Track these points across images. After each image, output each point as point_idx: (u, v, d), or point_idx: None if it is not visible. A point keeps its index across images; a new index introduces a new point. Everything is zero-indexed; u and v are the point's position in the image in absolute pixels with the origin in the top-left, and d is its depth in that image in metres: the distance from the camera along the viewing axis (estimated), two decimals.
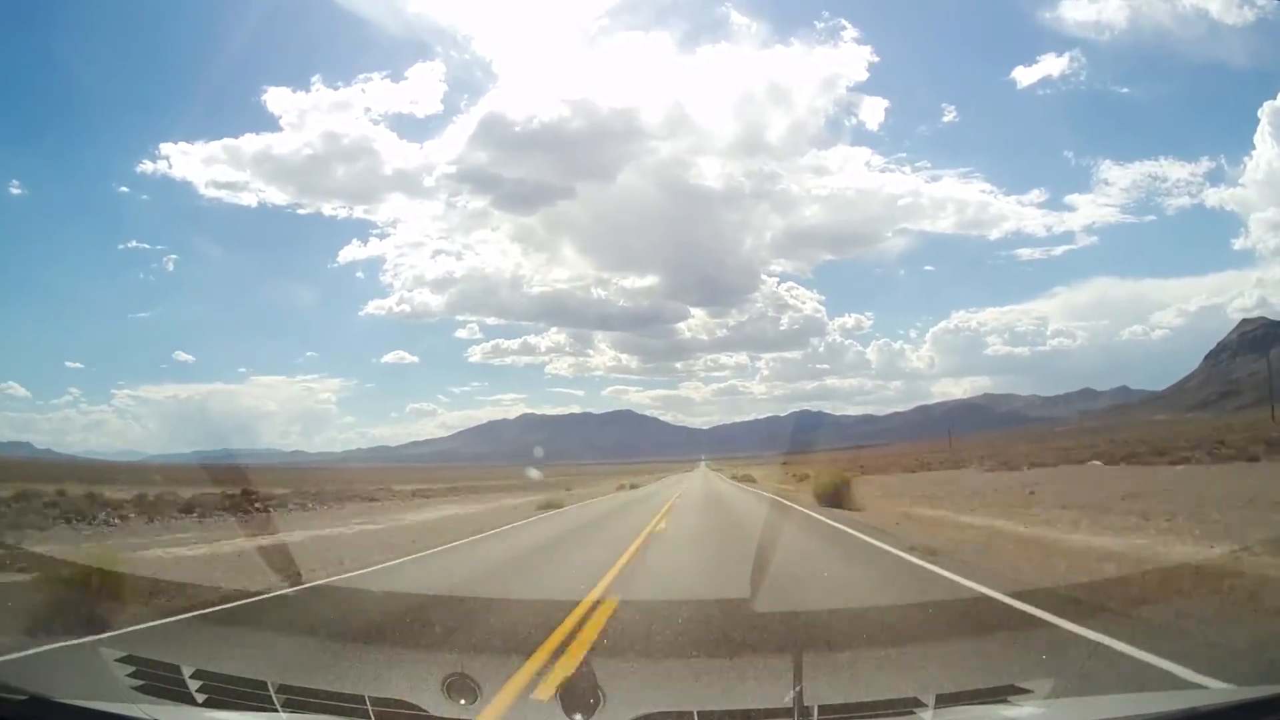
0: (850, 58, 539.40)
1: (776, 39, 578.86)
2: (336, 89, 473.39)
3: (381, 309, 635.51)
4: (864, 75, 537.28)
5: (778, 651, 6.20)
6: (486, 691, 4.26)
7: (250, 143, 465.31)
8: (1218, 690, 4.49)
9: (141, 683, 3.93)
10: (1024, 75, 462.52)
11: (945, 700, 3.47)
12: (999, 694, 3.85)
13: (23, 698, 3.40)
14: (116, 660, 4.34)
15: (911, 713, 3.38)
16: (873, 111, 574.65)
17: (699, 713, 4.02)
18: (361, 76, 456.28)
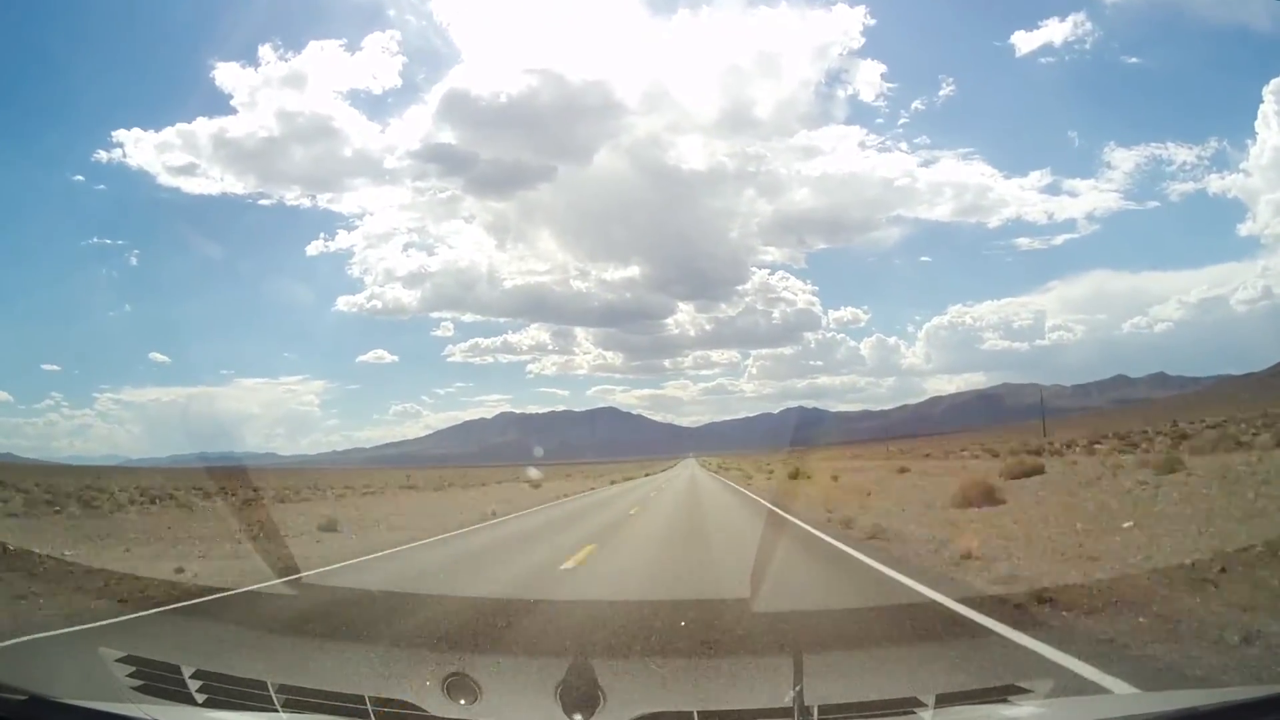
0: (844, 21, 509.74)
1: (763, 0, 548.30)
2: (287, 60, 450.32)
3: (353, 305, 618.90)
4: (858, 42, 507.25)
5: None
6: None
7: (204, 127, 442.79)
8: (1218, 690, 4.46)
9: (141, 683, 3.92)
10: (1024, 41, 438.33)
11: (945, 700, 3.43)
12: (999, 693, 3.81)
13: (22, 697, 3.39)
14: (116, 660, 4.33)
15: (911, 712, 3.34)
16: (868, 84, 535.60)
17: (699, 712, 3.99)
18: (313, 45, 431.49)
